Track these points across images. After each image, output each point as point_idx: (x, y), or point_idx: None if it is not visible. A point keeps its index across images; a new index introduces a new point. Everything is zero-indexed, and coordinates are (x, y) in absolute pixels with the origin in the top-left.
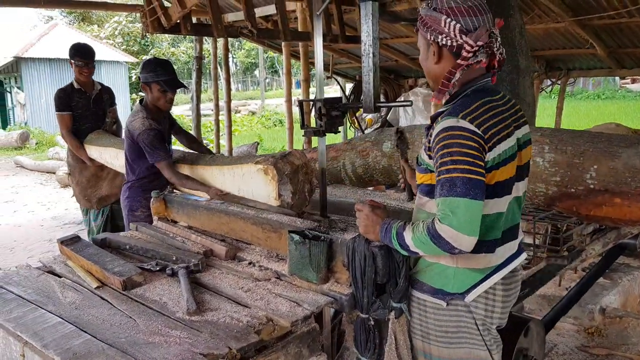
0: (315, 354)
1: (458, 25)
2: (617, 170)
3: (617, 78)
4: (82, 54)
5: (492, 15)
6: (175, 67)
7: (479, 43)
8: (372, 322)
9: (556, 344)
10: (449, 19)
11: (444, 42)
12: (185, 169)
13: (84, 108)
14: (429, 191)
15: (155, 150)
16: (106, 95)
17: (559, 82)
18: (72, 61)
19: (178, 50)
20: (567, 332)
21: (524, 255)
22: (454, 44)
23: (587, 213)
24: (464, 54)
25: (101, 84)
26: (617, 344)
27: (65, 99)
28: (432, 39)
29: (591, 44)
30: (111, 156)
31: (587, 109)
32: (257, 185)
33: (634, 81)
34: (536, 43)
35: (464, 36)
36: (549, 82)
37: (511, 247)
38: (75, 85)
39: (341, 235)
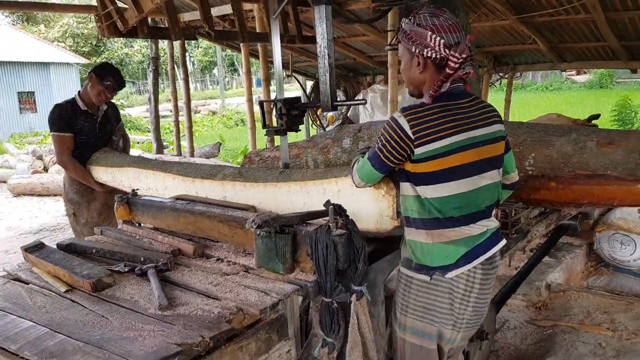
0: (284, 339)
1: (442, 41)
2: (552, 157)
3: (564, 70)
4: (117, 77)
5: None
6: (129, 67)
7: (463, 55)
8: (336, 305)
9: (507, 319)
10: (434, 35)
11: (429, 55)
12: (249, 188)
13: (90, 133)
14: (399, 176)
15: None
16: (111, 111)
17: (507, 76)
18: (100, 80)
19: (132, 50)
20: (517, 308)
21: (503, 242)
22: (438, 56)
23: (527, 197)
24: (451, 64)
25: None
26: (561, 316)
27: (67, 119)
28: (417, 51)
29: (534, 39)
30: (130, 178)
31: (536, 100)
32: (362, 202)
33: (578, 73)
34: (484, 40)
35: (447, 50)
36: (497, 77)
37: (479, 227)
38: (81, 105)
39: (304, 227)
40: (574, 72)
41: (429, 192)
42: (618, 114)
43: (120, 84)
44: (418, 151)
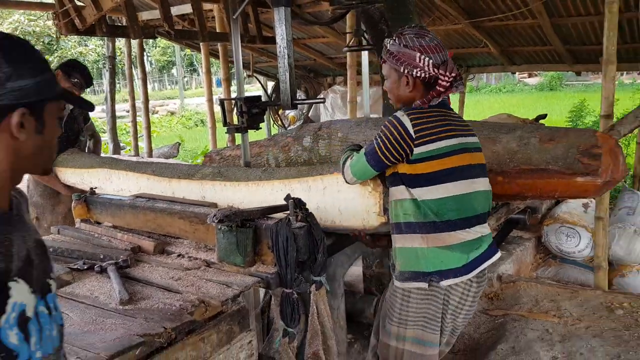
0: (245, 330)
1: (431, 61)
2: (498, 154)
3: (516, 73)
4: (85, 74)
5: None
6: None
7: (453, 74)
8: (296, 296)
9: None
10: (422, 56)
11: (418, 75)
12: (230, 187)
13: None
14: (392, 181)
15: None
16: (77, 111)
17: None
18: (67, 77)
19: (86, 49)
20: None
21: (498, 254)
22: (427, 75)
23: None
24: (441, 82)
25: None
26: (512, 305)
27: None
28: (406, 72)
29: (485, 43)
30: (101, 179)
31: (490, 102)
32: (348, 200)
33: (530, 75)
34: None
35: (436, 69)
36: None
37: (474, 232)
38: None
39: (265, 221)
40: (525, 75)
41: (426, 193)
42: (573, 117)
43: (88, 82)
44: (417, 150)
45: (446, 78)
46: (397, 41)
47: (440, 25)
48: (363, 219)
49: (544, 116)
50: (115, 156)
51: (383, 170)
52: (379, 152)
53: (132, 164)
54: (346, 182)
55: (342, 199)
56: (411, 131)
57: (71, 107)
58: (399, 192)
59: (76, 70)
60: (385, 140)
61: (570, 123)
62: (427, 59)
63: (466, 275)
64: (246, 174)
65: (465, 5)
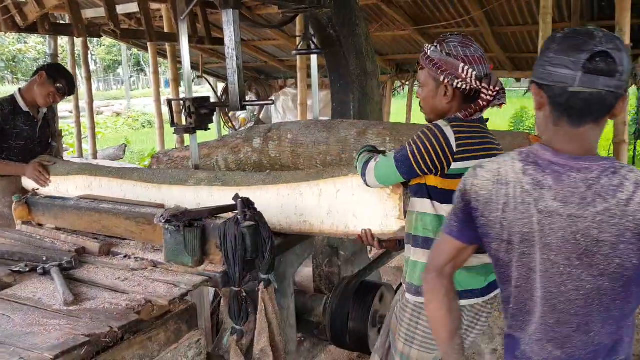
0: (194, 329)
1: (475, 73)
2: None
3: None
4: (70, 81)
5: None
6: (23, 64)
7: (497, 88)
8: (244, 294)
9: None
10: (466, 67)
11: (459, 86)
12: (230, 193)
13: (29, 139)
14: (416, 191)
15: None
16: (50, 115)
17: (408, 83)
18: (52, 81)
19: (26, 46)
20: None
21: None
22: (469, 87)
23: None
24: (483, 96)
25: None
26: None
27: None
28: (447, 81)
29: None
30: (79, 187)
31: None
32: (364, 204)
33: None
34: (386, 48)
35: (478, 82)
36: (399, 84)
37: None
38: (22, 105)
39: (214, 220)
40: None
41: None
42: (515, 122)
43: (71, 90)
44: (456, 165)
45: (490, 92)
46: (439, 48)
47: (387, 31)
48: (381, 223)
49: (485, 120)
50: (94, 161)
51: (412, 178)
52: (412, 159)
53: (115, 170)
54: (366, 184)
55: (357, 203)
56: (453, 144)
57: (45, 110)
58: (423, 205)
59: (62, 75)
60: (422, 149)
61: (513, 127)
62: (470, 70)
63: (481, 298)
64: (247, 178)
65: (411, 13)
